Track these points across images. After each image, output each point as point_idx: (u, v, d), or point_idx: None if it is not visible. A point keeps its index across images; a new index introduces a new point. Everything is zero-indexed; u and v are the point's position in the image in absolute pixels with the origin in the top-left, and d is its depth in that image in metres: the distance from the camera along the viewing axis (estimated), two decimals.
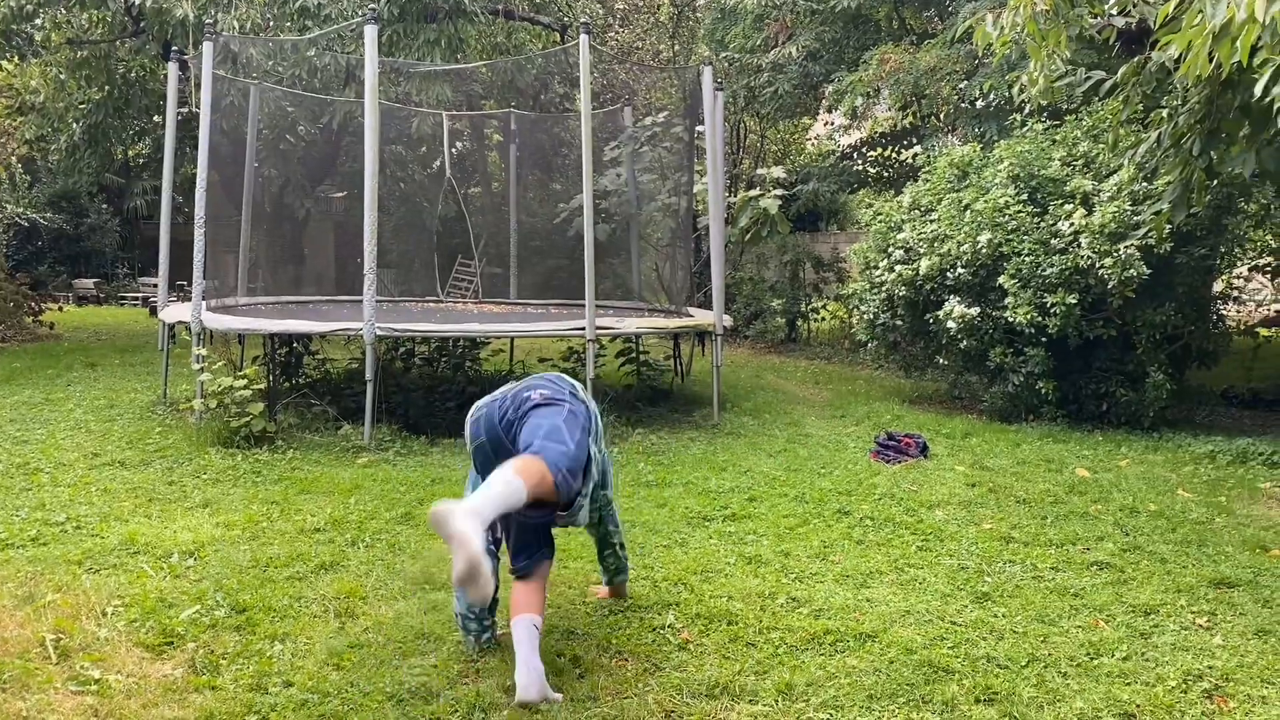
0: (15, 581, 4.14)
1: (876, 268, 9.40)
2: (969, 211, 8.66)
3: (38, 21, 14.88)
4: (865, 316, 9.73)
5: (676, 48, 18.72)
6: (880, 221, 9.69)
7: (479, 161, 15.73)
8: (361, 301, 7.36)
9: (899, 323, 9.32)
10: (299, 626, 3.78)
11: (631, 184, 11.86)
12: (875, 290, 9.44)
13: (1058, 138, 9.02)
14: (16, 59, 17.07)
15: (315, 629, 3.76)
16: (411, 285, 12.93)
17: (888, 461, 6.92)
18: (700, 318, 9.42)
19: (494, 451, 3.48)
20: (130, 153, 22.05)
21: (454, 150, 13.45)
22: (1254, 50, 3.83)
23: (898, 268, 9.02)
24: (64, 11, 14.33)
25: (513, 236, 12.19)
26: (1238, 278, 9.95)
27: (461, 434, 7.31)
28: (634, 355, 9.43)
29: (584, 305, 7.69)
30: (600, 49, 13.94)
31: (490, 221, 13.44)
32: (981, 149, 9.69)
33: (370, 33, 7.35)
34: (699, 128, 10.01)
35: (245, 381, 7.00)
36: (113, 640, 3.62)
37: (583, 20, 8.15)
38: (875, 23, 14.27)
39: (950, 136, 13.52)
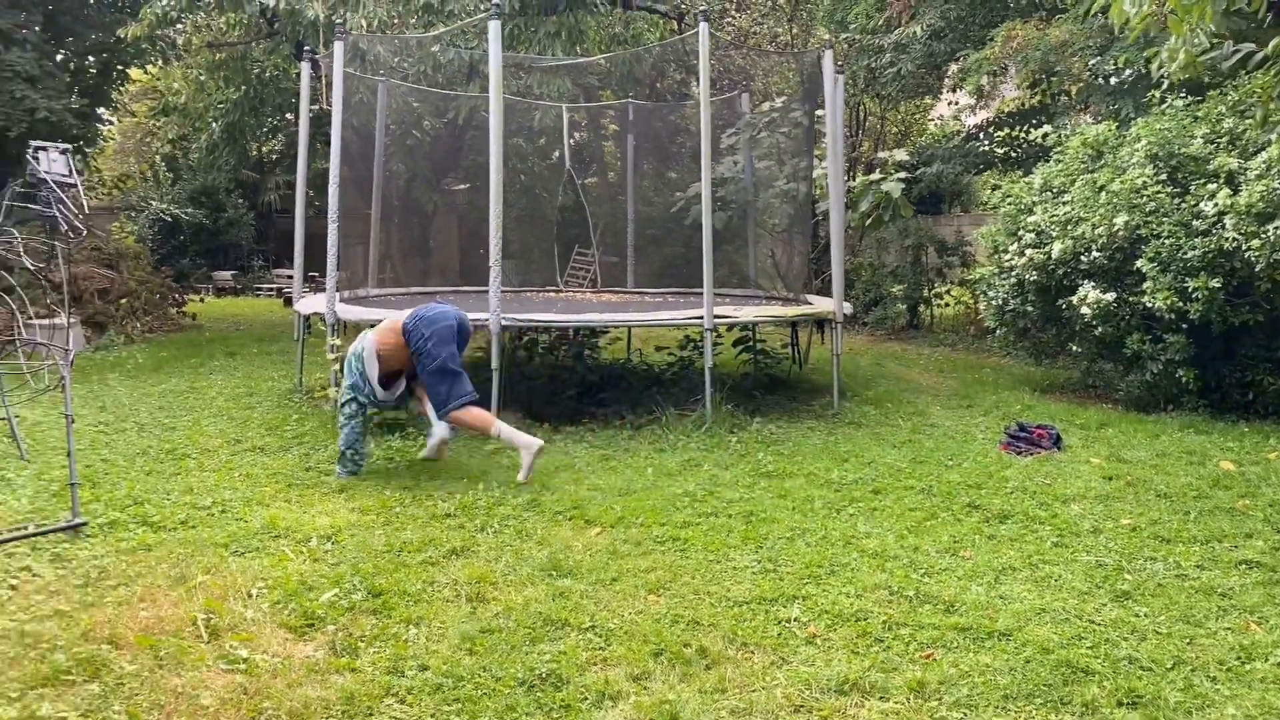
0: (168, 563, 4.37)
1: (1005, 251, 9.11)
2: (1104, 193, 8.32)
3: (180, 26, 15.59)
4: (993, 302, 9.42)
5: (795, 30, 18.45)
6: (1009, 204, 9.39)
7: (596, 151, 15.82)
8: (486, 292, 7.50)
9: (1029, 308, 9.01)
10: (432, 610, 3.89)
11: (748, 171, 11.77)
12: (1004, 275, 9.15)
13: (1200, 114, 8.59)
14: (160, 62, 17.99)
15: (448, 613, 3.86)
16: (531, 275, 13.10)
17: (1019, 453, 6.72)
18: (819, 305, 9.30)
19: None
20: (265, 149, 22.91)
21: (572, 141, 13.56)
22: None
23: (1028, 251, 8.73)
24: (204, 15, 14.97)
25: (630, 225, 12.25)
26: None
27: (581, 421, 7.42)
28: (751, 343, 9.37)
29: (701, 293, 7.68)
30: (717, 35, 13.81)
31: (607, 211, 13.51)
32: (1117, 127, 9.29)
33: (494, 28, 7.46)
34: (818, 112, 9.85)
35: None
36: (258, 621, 3.78)
37: (701, 8, 8.10)
38: None
39: (1082, 115, 12.99)
